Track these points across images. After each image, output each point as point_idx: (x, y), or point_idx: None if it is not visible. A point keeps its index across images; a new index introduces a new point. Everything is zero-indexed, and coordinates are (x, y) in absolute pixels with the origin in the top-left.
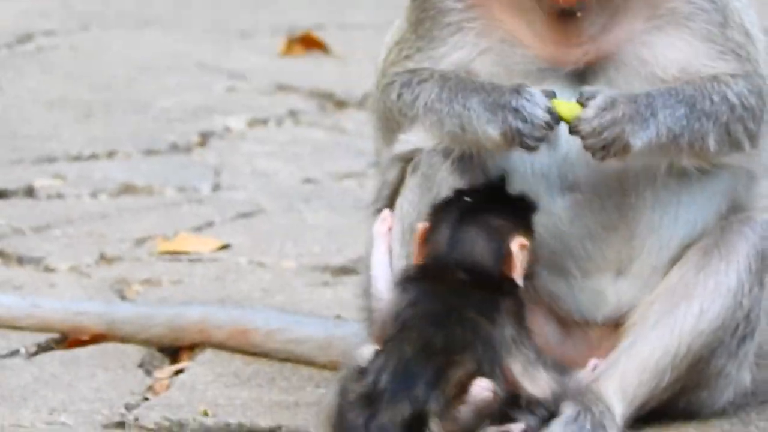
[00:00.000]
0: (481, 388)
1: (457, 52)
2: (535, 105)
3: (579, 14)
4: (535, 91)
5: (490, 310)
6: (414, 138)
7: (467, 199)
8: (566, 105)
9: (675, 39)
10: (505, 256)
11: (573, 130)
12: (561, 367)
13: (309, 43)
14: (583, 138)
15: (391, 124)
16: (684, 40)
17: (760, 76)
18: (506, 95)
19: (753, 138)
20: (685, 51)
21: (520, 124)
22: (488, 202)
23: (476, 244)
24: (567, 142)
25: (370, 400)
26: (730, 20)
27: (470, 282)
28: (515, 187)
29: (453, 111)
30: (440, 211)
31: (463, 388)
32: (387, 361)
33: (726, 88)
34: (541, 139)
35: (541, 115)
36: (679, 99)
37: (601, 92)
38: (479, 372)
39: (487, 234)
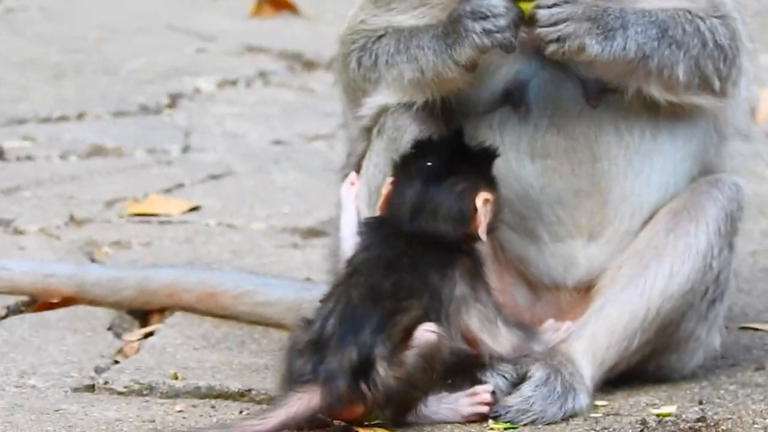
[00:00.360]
0: (425, 331)
1: (418, 21)
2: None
3: None
4: None
5: (442, 266)
6: (379, 98)
7: (429, 163)
8: (525, 3)
9: None
10: (471, 216)
11: (530, 19)
12: (526, 327)
13: (278, 3)
14: (538, 25)
15: (356, 92)
16: None
17: (734, 20)
18: (456, 10)
19: (723, 80)
20: (654, 2)
21: (483, 23)
22: (449, 157)
23: (441, 212)
24: (540, 109)
25: (318, 346)
26: None
27: (429, 240)
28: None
29: (411, 56)
30: (404, 173)
31: (409, 333)
32: (334, 307)
33: (699, 21)
34: (510, 28)
35: (498, 3)
36: (652, 20)
37: None
38: (426, 318)
39: (452, 200)
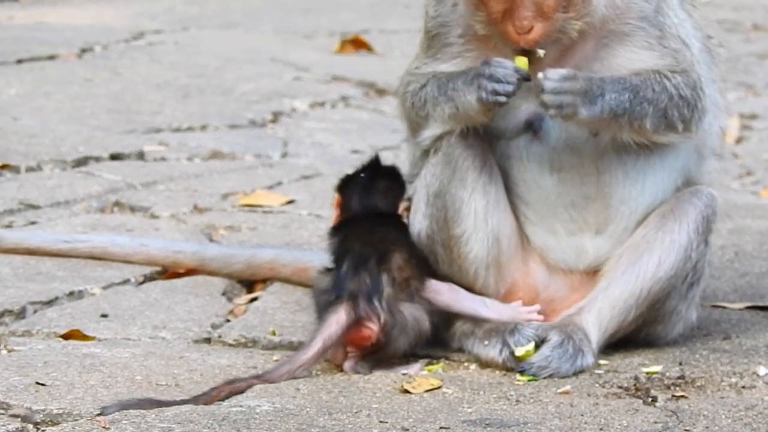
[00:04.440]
0: (434, 289)
1: (457, 68)
2: (505, 68)
3: (541, 53)
4: (502, 59)
5: (397, 228)
6: (431, 131)
7: (362, 174)
8: (521, 58)
9: (620, 51)
10: (399, 204)
11: (538, 86)
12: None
13: (357, 44)
14: (542, 92)
15: (412, 123)
16: (628, 50)
17: (696, 74)
18: (478, 69)
19: (686, 122)
20: (629, 58)
21: (495, 86)
22: (374, 173)
23: (379, 200)
24: (555, 135)
25: (338, 282)
26: (667, 33)
27: (377, 213)
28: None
29: (448, 97)
30: (346, 189)
31: (406, 279)
32: (343, 257)
33: (666, 80)
34: (514, 94)
35: (511, 74)
36: (626, 86)
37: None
38: (411, 260)
39: (383, 191)
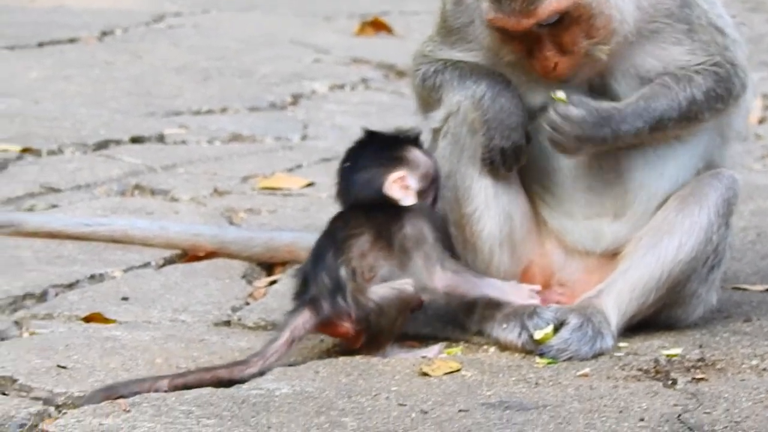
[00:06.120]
0: (404, 283)
1: (472, 59)
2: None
3: (561, 95)
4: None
5: (389, 214)
6: (441, 112)
7: (346, 164)
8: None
9: (648, 48)
10: (384, 189)
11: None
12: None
13: (377, 25)
14: (545, 123)
15: (421, 101)
16: (657, 47)
17: (730, 62)
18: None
19: (719, 112)
20: (657, 54)
21: (499, 158)
22: (367, 151)
23: (361, 188)
24: None
25: (303, 283)
26: (696, 25)
27: (371, 208)
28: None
29: (466, 87)
30: (337, 178)
31: (369, 263)
32: (310, 254)
33: (696, 89)
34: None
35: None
36: (646, 118)
37: (576, 104)
38: (377, 243)
39: (368, 179)
